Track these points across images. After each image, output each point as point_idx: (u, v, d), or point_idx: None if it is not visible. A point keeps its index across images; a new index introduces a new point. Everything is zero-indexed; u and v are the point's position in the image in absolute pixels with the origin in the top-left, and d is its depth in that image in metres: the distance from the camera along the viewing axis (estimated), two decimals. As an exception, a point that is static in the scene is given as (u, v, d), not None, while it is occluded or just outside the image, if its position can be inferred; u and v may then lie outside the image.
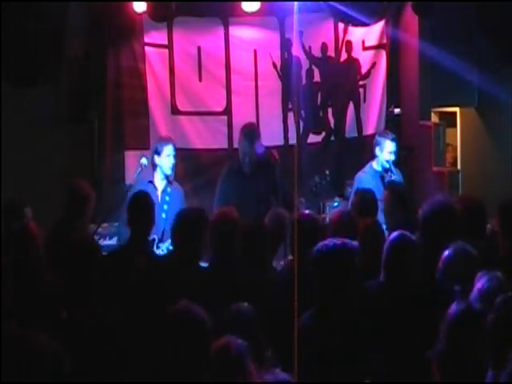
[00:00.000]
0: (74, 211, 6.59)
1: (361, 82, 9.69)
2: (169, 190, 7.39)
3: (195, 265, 5.48)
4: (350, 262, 4.40)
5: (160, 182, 7.41)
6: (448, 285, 4.69)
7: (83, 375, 3.75)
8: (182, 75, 9.25)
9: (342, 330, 4.29)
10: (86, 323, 4.48)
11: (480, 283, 4.24)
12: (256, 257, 5.43)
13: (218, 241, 5.46)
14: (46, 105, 8.60)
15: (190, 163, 8.97)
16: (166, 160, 7.38)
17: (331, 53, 9.60)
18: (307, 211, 5.90)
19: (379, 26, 9.47)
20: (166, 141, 7.55)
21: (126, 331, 4.42)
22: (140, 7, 8.53)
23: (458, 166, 9.93)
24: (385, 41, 9.67)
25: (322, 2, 8.70)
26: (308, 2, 8.64)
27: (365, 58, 9.66)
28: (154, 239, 6.64)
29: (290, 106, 9.46)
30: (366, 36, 9.59)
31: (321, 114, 9.67)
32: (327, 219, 7.98)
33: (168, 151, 7.39)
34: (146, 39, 9.11)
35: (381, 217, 6.50)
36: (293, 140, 9.38)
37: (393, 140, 7.82)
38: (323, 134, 9.66)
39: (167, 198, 7.35)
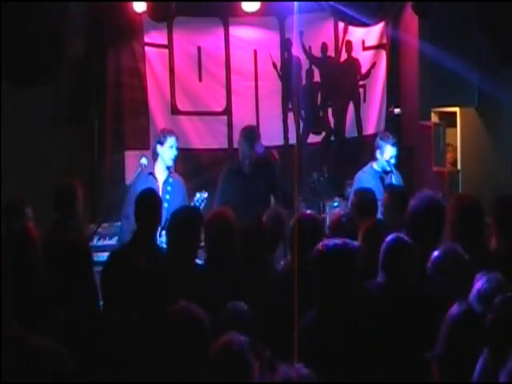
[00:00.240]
0: (65, 211, 6.59)
1: (361, 82, 9.69)
2: (170, 180, 7.42)
3: (191, 264, 5.50)
4: (351, 262, 4.40)
5: (161, 173, 7.44)
6: (437, 286, 4.68)
7: (83, 375, 3.75)
8: (182, 75, 9.26)
9: (342, 330, 4.29)
10: (85, 323, 4.48)
11: (479, 284, 4.23)
12: (255, 256, 5.43)
13: (214, 240, 5.46)
14: (46, 105, 8.61)
15: (190, 163, 8.97)
16: (168, 151, 7.41)
17: (331, 53, 9.60)
18: (308, 211, 5.90)
19: (379, 26, 9.46)
20: (170, 132, 7.58)
21: (125, 331, 4.42)
22: (140, 7, 8.53)
23: (458, 166, 9.92)
24: (385, 41, 9.67)
25: (322, 2, 8.70)
26: (308, 2, 8.65)
27: (365, 58, 9.66)
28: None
29: (290, 106, 9.46)
30: (366, 36, 9.59)
31: (321, 114, 9.67)
32: (327, 219, 8.01)
33: (171, 142, 7.43)
34: (146, 39, 9.12)
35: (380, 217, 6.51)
36: (293, 140, 9.39)
37: (393, 145, 7.85)
38: (323, 133, 9.66)
39: (169, 188, 7.38)
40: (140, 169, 7.37)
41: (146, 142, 8.82)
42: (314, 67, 9.59)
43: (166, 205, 7.12)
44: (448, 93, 9.21)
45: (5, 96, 8.24)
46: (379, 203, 6.71)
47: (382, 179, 7.74)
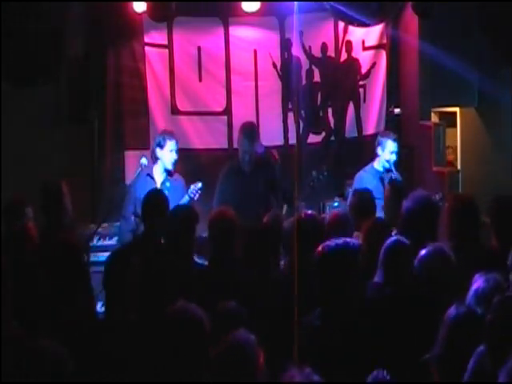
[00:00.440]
0: (54, 210, 6.60)
1: (361, 82, 9.69)
2: (168, 184, 7.39)
3: (189, 261, 5.52)
4: (353, 262, 4.41)
5: (160, 175, 7.42)
6: (423, 283, 4.68)
7: (83, 375, 3.75)
8: (182, 75, 9.26)
9: (343, 330, 4.29)
10: (85, 323, 4.49)
11: (477, 284, 4.24)
12: (258, 256, 5.45)
13: (216, 239, 5.49)
14: (46, 105, 8.61)
15: (190, 163, 8.97)
16: (168, 154, 7.40)
17: (331, 53, 9.60)
18: (309, 211, 5.91)
19: (379, 26, 9.46)
20: (170, 135, 7.55)
21: (125, 331, 4.42)
22: (140, 7, 8.53)
23: (458, 166, 9.93)
24: (385, 41, 9.67)
25: (322, 2, 8.70)
26: (308, 2, 8.65)
27: (365, 58, 9.66)
28: None
29: (290, 106, 9.46)
30: (366, 36, 9.60)
31: (321, 114, 9.67)
32: (327, 219, 8.00)
33: (171, 146, 7.41)
34: (146, 39, 9.12)
35: (380, 216, 6.51)
36: (293, 140, 9.39)
37: (394, 140, 7.88)
38: (323, 133, 9.66)
39: (167, 189, 7.32)
40: (140, 169, 7.37)
41: (146, 142, 8.81)
42: (313, 67, 9.59)
43: None
44: (448, 93, 9.21)
45: (5, 96, 8.24)
46: (379, 203, 6.72)
47: (382, 180, 7.75)
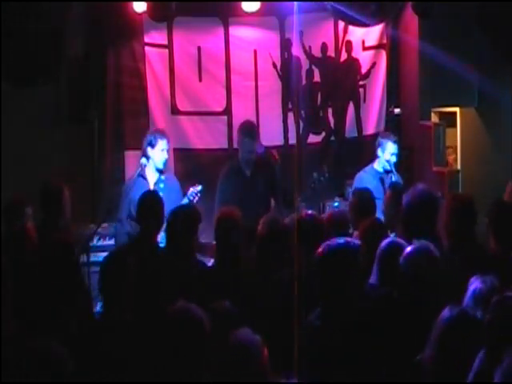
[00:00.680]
0: (52, 210, 6.60)
1: (361, 82, 9.69)
2: (162, 185, 7.38)
3: (190, 260, 5.52)
4: (353, 262, 4.41)
5: (152, 175, 7.40)
6: (409, 284, 4.68)
7: (83, 375, 3.75)
8: (182, 75, 9.26)
9: (343, 330, 4.29)
10: (86, 323, 4.49)
11: (474, 285, 4.24)
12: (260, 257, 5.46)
13: (219, 239, 5.50)
14: (46, 105, 8.60)
15: (190, 163, 8.98)
16: (159, 154, 7.38)
17: (331, 53, 9.60)
18: (310, 211, 5.91)
19: (379, 26, 9.46)
20: (162, 135, 7.53)
21: (125, 331, 4.42)
22: (140, 7, 8.53)
23: (458, 166, 9.93)
24: (385, 41, 9.67)
25: (322, 2, 8.70)
26: (308, 2, 8.65)
27: (365, 58, 9.66)
28: None
29: (290, 106, 9.46)
30: (366, 36, 9.60)
31: (321, 114, 9.67)
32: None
33: (162, 145, 7.40)
34: (146, 39, 9.12)
35: (380, 217, 6.51)
36: (293, 140, 9.38)
37: (395, 142, 7.91)
38: (323, 134, 9.66)
39: (161, 189, 7.30)
40: (140, 169, 7.37)
41: (146, 142, 8.81)
42: (314, 67, 9.59)
43: None
44: (448, 93, 9.22)
45: (5, 96, 8.24)
46: (379, 203, 6.72)
47: (382, 180, 7.76)
